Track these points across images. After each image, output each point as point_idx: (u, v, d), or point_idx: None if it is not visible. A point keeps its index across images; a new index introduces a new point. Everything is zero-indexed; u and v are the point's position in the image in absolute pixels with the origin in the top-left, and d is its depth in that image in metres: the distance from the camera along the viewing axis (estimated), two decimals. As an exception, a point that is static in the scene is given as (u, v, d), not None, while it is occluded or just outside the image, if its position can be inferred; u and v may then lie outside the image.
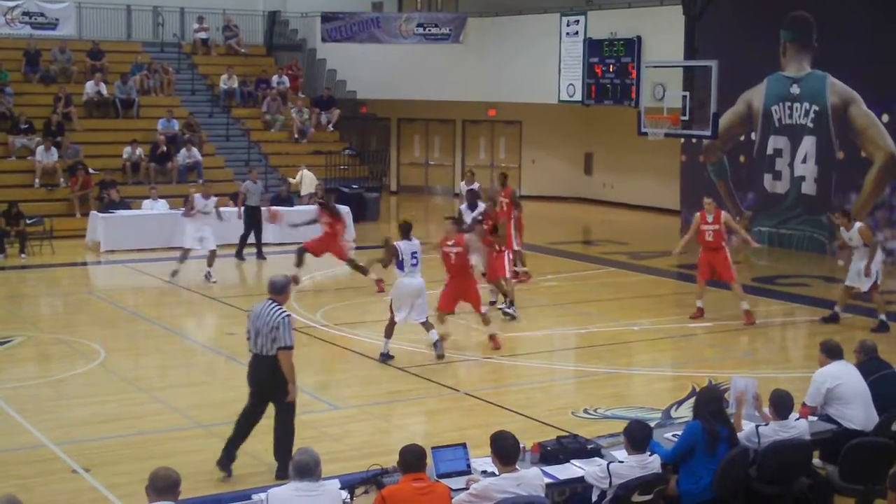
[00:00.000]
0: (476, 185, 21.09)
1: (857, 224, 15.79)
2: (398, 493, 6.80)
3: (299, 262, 18.18)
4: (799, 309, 17.45)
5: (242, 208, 21.09)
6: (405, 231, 13.65)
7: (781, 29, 23.50)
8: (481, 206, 17.45)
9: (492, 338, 14.31)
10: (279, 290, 9.43)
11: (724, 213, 16.22)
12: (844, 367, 9.36)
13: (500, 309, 16.25)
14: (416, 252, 13.48)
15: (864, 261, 15.53)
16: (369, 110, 32.55)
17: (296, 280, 17.68)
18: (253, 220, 21.12)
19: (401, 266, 13.42)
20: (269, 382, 9.33)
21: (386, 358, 13.48)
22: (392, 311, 13.51)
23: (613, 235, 26.04)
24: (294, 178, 25.91)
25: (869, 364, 9.64)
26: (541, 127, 33.15)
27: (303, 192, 25.28)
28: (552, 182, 33.16)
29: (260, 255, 21.26)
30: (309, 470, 6.59)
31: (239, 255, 21.07)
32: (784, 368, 13.80)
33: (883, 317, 15.74)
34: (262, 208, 21.25)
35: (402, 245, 13.46)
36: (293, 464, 6.64)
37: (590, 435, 9.01)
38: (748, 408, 9.00)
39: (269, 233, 22.12)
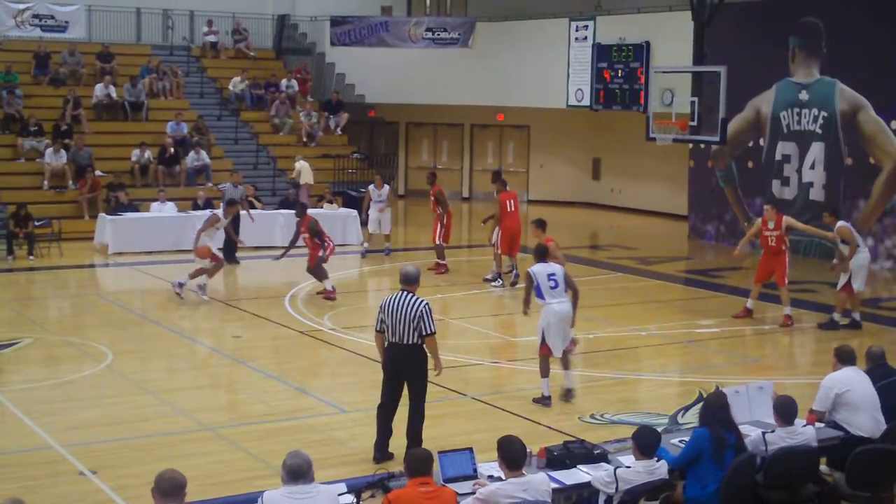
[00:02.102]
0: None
1: (840, 223, 16.16)
2: (404, 497, 6.79)
3: (322, 276, 18.01)
4: (806, 315, 17.40)
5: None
6: (539, 255, 12.28)
7: (790, 35, 23.48)
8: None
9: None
10: (413, 281, 10.02)
11: (785, 218, 16.63)
12: (855, 373, 9.33)
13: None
14: (553, 274, 11.96)
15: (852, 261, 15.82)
16: (378, 114, 32.57)
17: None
18: (232, 224, 20.78)
19: (539, 293, 11.98)
20: (409, 369, 9.94)
21: (544, 401, 12.01)
22: (545, 345, 11.98)
23: (621, 240, 26.02)
24: (292, 172, 26.11)
25: (875, 371, 9.63)
26: (549, 131, 33.16)
27: (302, 181, 25.59)
28: (560, 187, 33.16)
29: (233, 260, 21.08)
30: (302, 473, 6.57)
31: (231, 260, 21.03)
32: (791, 374, 13.78)
33: (836, 315, 16.10)
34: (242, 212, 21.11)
35: (536, 269, 12.00)
36: (284, 468, 6.62)
37: (597, 440, 9.01)
38: (762, 414, 9.01)
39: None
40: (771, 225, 16.49)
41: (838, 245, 16.27)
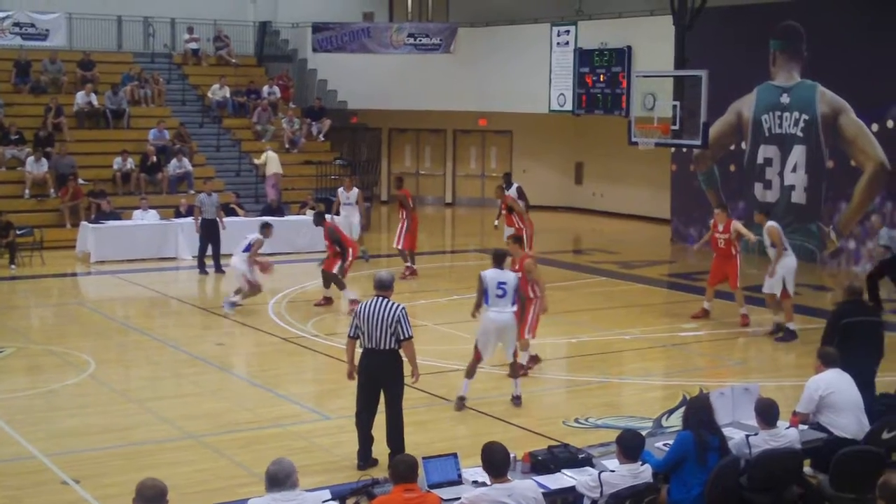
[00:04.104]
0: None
1: (769, 223, 16.11)
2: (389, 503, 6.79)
3: (326, 284, 17.84)
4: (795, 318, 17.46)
5: (199, 221, 20.78)
6: (497, 260, 12.08)
7: (771, 38, 23.59)
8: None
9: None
10: (387, 286, 10.01)
11: (733, 223, 16.85)
12: (839, 375, 9.37)
13: None
14: (504, 282, 11.82)
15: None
16: (360, 120, 32.52)
17: (328, 301, 17.84)
18: (209, 234, 20.71)
19: (486, 297, 11.89)
20: (385, 374, 9.92)
21: (461, 402, 12.09)
22: (476, 349, 12.10)
23: (604, 245, 26.07)
24: (259, 159, 26.12)
25: (847, 306, 10.64)
26: (531, 136, 33.21)
27: (268, 173, 25.69)
28: (543, 191, 33.01)
29: (218, 269, 20.81)
30: (285, 480, 6.58)
31: (201, 269, 20.88)
32: (774, 377, 13.82)
33: (792, 326, 15.82)
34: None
35: (487, 273, 11.90)
36: (268, 475, 6.63)
37: (581, 444, 9.01)
38: (745, 416, 9.03)
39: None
40: (721, 228, 16.73)
41: (767, 247, 16.19)
